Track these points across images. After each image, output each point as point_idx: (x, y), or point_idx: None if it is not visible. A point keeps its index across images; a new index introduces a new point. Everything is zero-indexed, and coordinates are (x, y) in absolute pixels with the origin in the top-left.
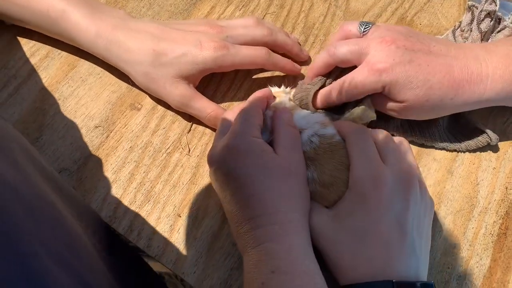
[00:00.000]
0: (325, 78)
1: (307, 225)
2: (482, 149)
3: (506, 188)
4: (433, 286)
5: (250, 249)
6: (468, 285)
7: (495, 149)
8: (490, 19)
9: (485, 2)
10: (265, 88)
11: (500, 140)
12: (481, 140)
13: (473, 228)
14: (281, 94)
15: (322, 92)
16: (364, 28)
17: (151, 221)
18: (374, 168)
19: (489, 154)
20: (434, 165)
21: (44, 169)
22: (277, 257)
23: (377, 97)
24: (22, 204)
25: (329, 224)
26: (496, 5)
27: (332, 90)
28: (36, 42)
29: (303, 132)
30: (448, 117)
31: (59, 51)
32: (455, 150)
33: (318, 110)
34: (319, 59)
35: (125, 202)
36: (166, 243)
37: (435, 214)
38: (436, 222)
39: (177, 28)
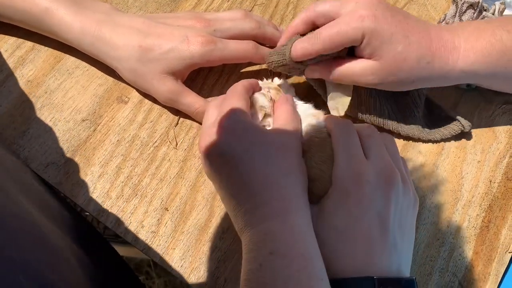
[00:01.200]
0: (298, 36)
1: (307, 201)
2: (467, 142)
3: (490, 181)
4: (414, 281)
5: (250, 228)
6: (450, 277)
7: (479, 142)
8: (473, 11)
9: None
10: (251, 79)
11: (485, 134)
12: (453, 128)
13: (456, 221)
14: (269, 85)
15: (299, 43)
16: None
17: (139, 215)
18: (356, 164)
19: (474, 148)
20: (419, 159)
21: (27, 185)
22: (277, 239)
23: (351, 63)
24: (3, 228)
25: (312, 220)
26: None
27: (309, 40)
28: (20, 39)
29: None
30: (423, 107)
31: (45, 48)
32: (430, 141)
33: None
34: (297, 18)
35: (113, 196)
36: (154, 236)
37: (419, 207)
38: (420, 215)
39: (164, 23)
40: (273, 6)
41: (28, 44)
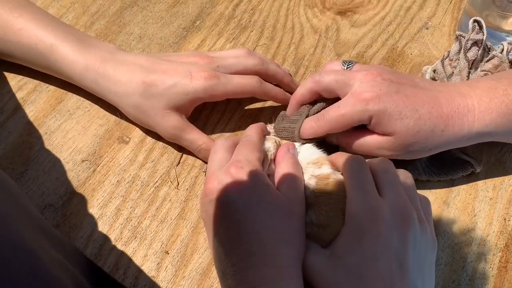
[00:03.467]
0: (308, 107)
1: (301, 271)
2: (478, 178)
3: (504, 219)
4: None
5: None
6: None
7: (490, 178)
8: (477, 48)
9: (472, 31)
10: (260, 123)
11: (496, 170)
12: (464, 169)
13: (472, 261)
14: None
15: (308, 123)
16: (348, 65)
17: (138, 258)
18: (370, 201)
19: (485, 184)
20: (430, 196)
21: (28, 212)
22: None
23: (366, 137)
24: None
25: (325, 263)
26: (483, 34)
27: (317, 120)
28: (24, 77)
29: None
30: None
31: (47, 85)
32: (439, 180)
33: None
34: (303, 86)
35: (111, 238)
36: (153, 282)
37: None
38: None
39: (167, 60)
40: (274, 47)
41: (30, 85)
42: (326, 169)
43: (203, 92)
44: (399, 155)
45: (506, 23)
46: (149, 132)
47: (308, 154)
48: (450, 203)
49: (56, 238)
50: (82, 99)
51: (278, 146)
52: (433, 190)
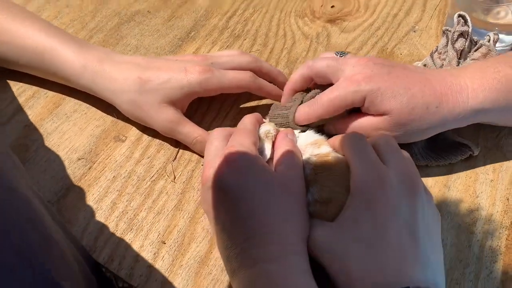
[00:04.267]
0: (303, 94)
1: (305, 247)
2: (476, 163)
3: (507, 199)
4: None
5: (244, 270)
6: None
7: (489, 162)
8: (464, 40)
9: (458, 24)
10: (255, 113)
11: (494, 155)
12: (462, 153)
13: (478, 241)
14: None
15: (301, 108)
16: (341, 55)
17: (134, 249)
18: (375, 169)
19: (484, 168)
20: (429, 181)
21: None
22: (273, 279)
23: (361, 120)
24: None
25: (333, 235)
26: (468, 27)
27: (311, 106)
28: (24, 84)
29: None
30: (423, 142)
31: (46, 91)
32: (437, 165)
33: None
34: (296, 74)
35: (107, 231)
36: (150, 271)
37: None
38: None
39: (163, 59)
40: (267, 52)
41: (29, 92)
42: (325, 148)
43: (198, 85)
44: (396, 137)
45: (489, 20)
46: (146, 130)
47: (307, 138)
48: (451, 186)
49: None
50: (80, 102)
51: (277, 131)
52: (432, 175)
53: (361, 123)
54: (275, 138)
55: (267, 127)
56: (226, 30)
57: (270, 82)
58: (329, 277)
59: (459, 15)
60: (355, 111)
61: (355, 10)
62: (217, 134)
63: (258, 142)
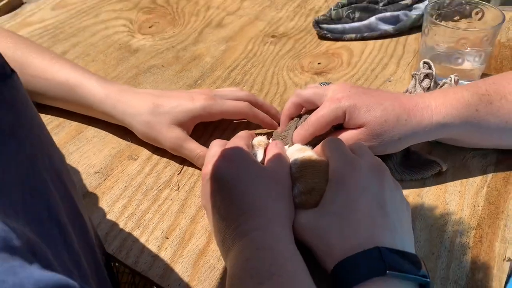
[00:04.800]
0: (296, 120)
1: (290, 225)
2: (446, 178)
3: (474, 205)
4: (418, 257)
5: (236, 244)
6: (452, 285)
7: (457, 178)
8: (429, 80)
9: (423, 68)
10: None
11: (461, 172)
12: (432, 168)
13: (448, 238)
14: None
15: (296, 131)
16: (324, 84)
17: (140, 242)
18: (349, 157)
19: (453, 182)
20: (404, 192)
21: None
22: (259, 245)
23: (344, 133)
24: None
25: (313, 217)
26: (432, 70)
27: (302, 127)
28: (51, 116)
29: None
30: (400, 153)
31: (70, 121)
32: (411, 179)
33: None
34: (288, 102)
35: (116, 228)
36: (153, 260)
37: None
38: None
39: (174, 91)
40: (263, 95)
41: (55, 122)
42: (309, 153)
43: (202, 110)
44: (373, 147)
45: (450, 66)
46: (156, 151)
47: (294, 147)
48: (424, 196)
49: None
50: (99, 130)
51: (268, 143)
52: (406, 188)
53: (344, 136)
54: (267, 146)
55: (260, 138)
56: (228, 80)
57: (265, 112)
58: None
59: (424, 62)
60: (339, 128)
61: (338, 65)
62: (216, 142)
63: (251, 147)
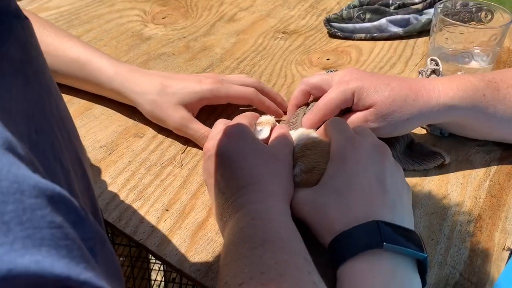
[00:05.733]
0: (304, 108)
1: (288, 201)
2: (448, 170)
3: (475, 198)
4: (417, 233)
5: (233, 215)
6: (450, 269)
7: (459, 170)
8: (435, 76)
9: (430, 64)
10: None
11: (464, 165)
12: (435, 160)
13: (448, 226)
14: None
15: (305, 117)
16: (331, 71)
17: (140, 213)
18: (350, 135)
19: (455, 174)
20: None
21: None
22: (255, 217)
23: (353, 115)
24: None
25: (313, 193)
26: (439, 66)
27: (311, 112)
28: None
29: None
30: (403, 143)
31: (78, 99)
32: (414, 170)
33: None
34: (296, 90)
35: (118, 199)
36: (152, 230)
37: None
38: None
39: (182, 74)
40: (270, 85)
41: (65, 99)
42: (313, 134)
43: (209, 92)
44: (382, 128)
45: (457, 64)
46: (161, 131)
47: (299, 130)
48: (425, 185)
49: None
50: (107, 108)
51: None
52: (408, 177)
53: (352, 118)
54: (273, 127)
55: (268, 116)
56: (236, 70)
57: (271, 99)
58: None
59: (431, 59)
60: (348, 111)
61: (347, 62)
62: (221, 121)
63: (255, 125)
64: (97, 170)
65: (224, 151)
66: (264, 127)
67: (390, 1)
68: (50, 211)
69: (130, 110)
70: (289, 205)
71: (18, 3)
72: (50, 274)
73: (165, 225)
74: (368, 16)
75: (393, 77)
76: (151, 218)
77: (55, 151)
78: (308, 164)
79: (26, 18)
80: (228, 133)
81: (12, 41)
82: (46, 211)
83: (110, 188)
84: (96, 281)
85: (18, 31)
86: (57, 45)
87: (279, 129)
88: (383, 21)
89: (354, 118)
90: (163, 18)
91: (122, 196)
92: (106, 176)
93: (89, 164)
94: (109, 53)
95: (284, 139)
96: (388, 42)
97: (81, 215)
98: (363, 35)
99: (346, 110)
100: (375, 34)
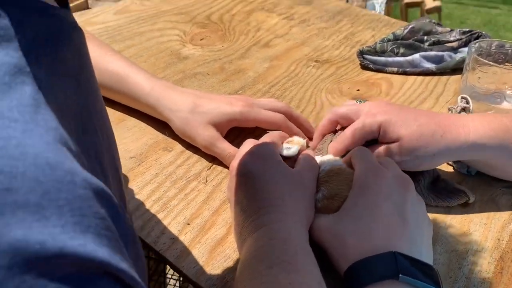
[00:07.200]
0: (331, 135)
1: (308, 226)
2: (472, 209)
3: (498, 239)
4: (435, 269)
5: (252, 234)
6: None
7: (484, 211)
8: (465, 113)
9: (460, 102)
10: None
11: (489, 207)
12: (459, 198)
13: (468, 265)
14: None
15: (331, 144)
16: (360, 102)
17: (162, 224)
18: (374, 166)
19: (479, 214)
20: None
21: None
22: (276, 232)
23: (378, 147)
24: None
25: (333, 220)
26: (469, 104)
27: (337, 140)
28: None
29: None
30: (428, 178)
31: (115, 111)
32: (437, 206)
33: None
34: (324, 119)
35: (142, 208)
36: (172, 242)
37: None
38: None
39: (215, 94)
40: (299, 111)
41: None
42: (339, 162)
43: (239, 115)
44: (407, 162)
45: (488, 104)
46: (189, 147)
47: (326, 156)
48: (447, 222)
49: None
50: (139, 121)
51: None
52: (431, 212)
53: (378, 150)
54: (302, 149)
55: (300, 138)
56: (267, 93)
57: (298, 127)
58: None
59: (462, 97)
60: (374, 143)
61: (377, 94)
62: (249, 140)
63: (281, 145)
64: (125, 180)
65: (248, 171)
66: (294, 146)
67: (425, 38)
68: (96, 203)
69: (162, 125)
70: (307, 229)
71: None
72: (94, 258)
73: (185, 238)
74: (401, 50)
75: (422, 111)
76: (173, 230)
77: (97, 152)
78: (331, 190)
79: (81, 29)
80: (254, 152)
81: (69, 47)
82: (92, 203)
83: (137, 197)
84: (132, 272)
85: (74, 39)
86: (99, 58)
87: (306, 154)
88: (416, 56)
89: (380, 150)
90: (201, 40)
91: (147, 206)
92: (133, 186)
93: (121, 171)
94: (147, 69)
95: (310, 164)
96: (420, 78)
97: (120, 212)
98: (395, 69)
99: (372, 141)
100: (408, 69)
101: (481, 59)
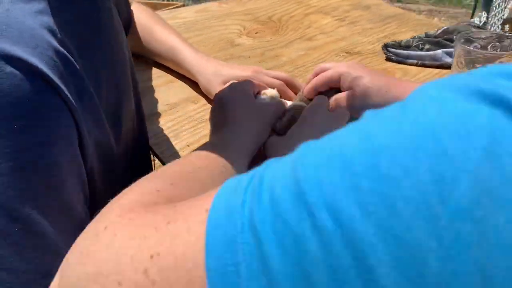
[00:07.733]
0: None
1: (252, 146)
2: None
3: None
4: None
5: (215, 137)
6: None
7: None
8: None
9: None
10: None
11: None
12: None
13: None
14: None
15: (305, 87)
16: None
17: (173, 148)
18: (317, 106)
19: None
20: None
21: None
22: (226, 139)
23: (341, 94)
24: None
25: (278, 139)
26: None
27: (310, 85)
28: (157, 70)
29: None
30: None
31: (167, 75)
32: None
33: None
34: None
35: (160, 135)
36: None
37: None
38: None
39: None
40: None
41: (157, 74)
42: (304, 104)
43: (247, 77)
44: (359, 110)
45: None
46: (211, 102)
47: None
48: None
49: None
50: (185, 84)
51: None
52: None
53: (340, 96)
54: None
55: (272, 90)
56: (290, 73)
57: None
58: None
59: None
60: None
61: None
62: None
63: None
64: (157, 116)
65: (223, 99)
66: (267, 96)
67: (454, 37)
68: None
69: (196, 87)
70: (257, 146)
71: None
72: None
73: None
74: (427, 46)
75: (381, 72)
76: (176, 147)
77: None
78: (290, 118)
79: None
80: (232, 87)
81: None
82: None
83: (160, 125)
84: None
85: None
86: (156, 31)
87: (278, 99)
88: (438, 51)
89: (341, 96)
90: (256, 33)
91: (165, 132)
92: (161, 120)
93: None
94: (204, 51)
95: (273, 103)
96: (437, 70)
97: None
98: (414, 61)
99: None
100: (426, 62)
101: (467, 47)
